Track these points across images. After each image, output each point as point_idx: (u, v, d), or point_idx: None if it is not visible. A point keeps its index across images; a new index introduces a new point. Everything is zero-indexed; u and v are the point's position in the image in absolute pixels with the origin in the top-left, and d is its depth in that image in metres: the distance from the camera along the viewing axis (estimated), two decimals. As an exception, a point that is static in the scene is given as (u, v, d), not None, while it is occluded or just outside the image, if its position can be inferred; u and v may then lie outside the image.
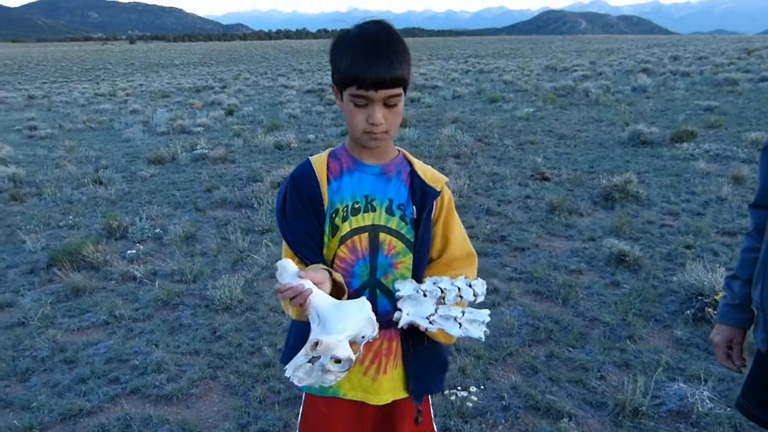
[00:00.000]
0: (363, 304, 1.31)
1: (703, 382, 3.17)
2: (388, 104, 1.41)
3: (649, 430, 2.91)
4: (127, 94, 26.78)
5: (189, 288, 4.86)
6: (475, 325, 1.38)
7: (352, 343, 1.27)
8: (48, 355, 3.90)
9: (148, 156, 10.51)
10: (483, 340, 1.40)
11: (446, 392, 3.15)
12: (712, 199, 6.67)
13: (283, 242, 1.54)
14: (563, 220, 6.19)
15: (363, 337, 1.29)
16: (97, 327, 4.30)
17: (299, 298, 1.27)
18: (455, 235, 1.62)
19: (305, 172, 1.54)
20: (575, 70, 27.47)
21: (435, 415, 2.94)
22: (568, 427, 2.85)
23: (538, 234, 5.81)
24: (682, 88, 18.08)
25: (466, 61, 45.21)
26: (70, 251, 5.45)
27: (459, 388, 3.16)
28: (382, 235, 1.53)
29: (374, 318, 1.31)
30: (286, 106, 18.31)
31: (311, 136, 12.07)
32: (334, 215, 1.52)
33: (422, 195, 1.54)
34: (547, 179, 7.94)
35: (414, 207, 1.54)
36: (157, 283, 4.90)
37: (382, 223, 1.53)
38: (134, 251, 5.74)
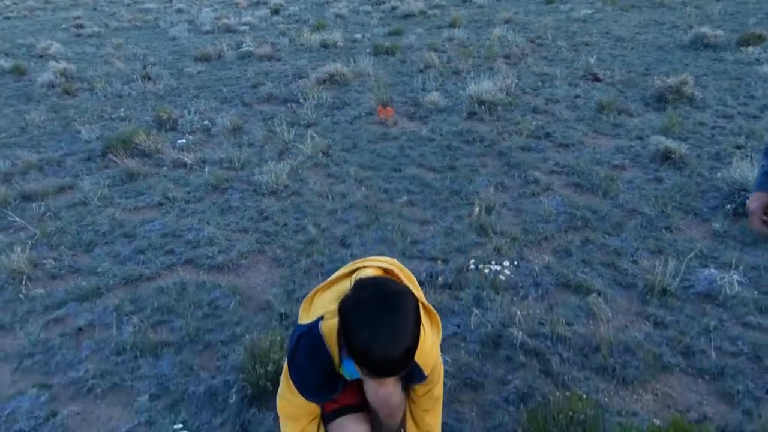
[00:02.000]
0: None
1: (734, 269, 3.21)
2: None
3: (675, 308, 3.01)
4: (172, -5, 26.48)
5: (237, 174, 5.06)
6: None
7: None
8: (108, 230, 4.19)
9: (194, 53, 10.58)
10: None
11: (480, 266, 3.29)
12: (771, 102, 6.39)
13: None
14: (611, 119, 6.06)
15: None
16: (152, 207, 4.56)
17: None
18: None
19: (321, 355, 1.71)
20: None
21: (467, 287, 3.13)
22: (597, 302, 2.97)
23: (584, 132, 5.73)
24: (754, -11, 16.76)
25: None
26: (123, 139, 5.69)
27: (493, 262, 3.29)
28: None
29: None
30: (332, 5, 17.87)
31: (358, 36, 11.86)
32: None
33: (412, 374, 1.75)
34: (599, 80, 7.69)
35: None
36: (206, 170, 5.12)
37: None
38: (184, 141, 5.94)
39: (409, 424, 1.97)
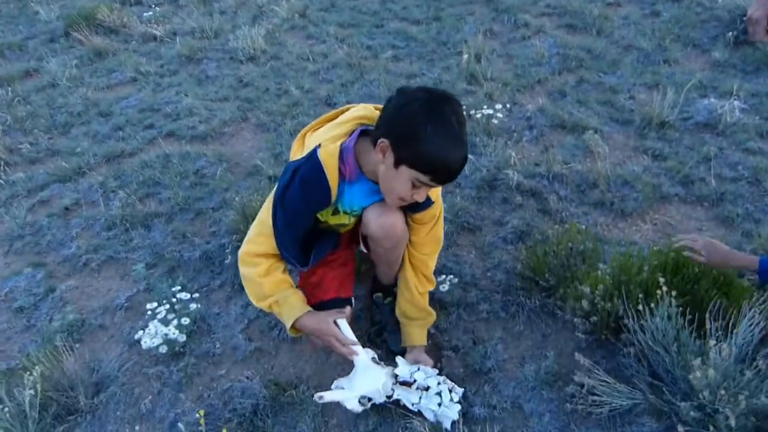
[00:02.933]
0: (382, 377, 1.81)
1: (734, 96, 3.10)
2: None
3: (673, 140, 2.93)
4: None
5: (211, 43, 4.77)
6: (446, 419, 1.75)
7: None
8: (83, 110, 4.00)
9: None
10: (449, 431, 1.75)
11: (471, 112, 3.17)
12: None
13: (269, 227, 1.72)
14: (603, -45, 5.65)
15: (369, 399, 1.79)
16: (125, 83, 4.34)
17: (346, 351, 1.80)
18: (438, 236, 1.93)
19: (319, 184, 1.61)
20: None
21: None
22: (593, 139, 2.88)
23: (574, -29, 5.35)
24: None
25: None
26: (85, 16, 5.31)
27: (485, 107, 3.16)
28: None
29: (384, 389, 1.79)
30: None
31: None
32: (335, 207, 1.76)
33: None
34: None
35: None
36: (178, 41, 4.81)
37: None
38: (151, 13, 5.55)
39: (408, 273, 1.95)
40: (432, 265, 1.97)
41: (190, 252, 2.60)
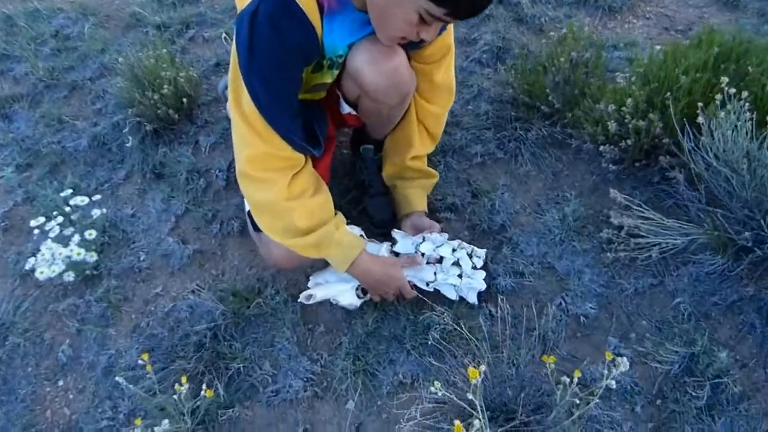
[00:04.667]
0: None
1: None
2: None
3: None
4: None
5: None
6: (471, 291, 1.38)
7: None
8: None
9: None
10: (477, 305, 1.38)
11: None
12: None
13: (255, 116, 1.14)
14: None
15: (365, 290, 1.39)
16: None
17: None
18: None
19: (294, 19, 1.06)
20: None
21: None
22: None
23: None
24: None
25: None
26: None
27: None
28: None
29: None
30: None
31: None
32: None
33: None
34: None
35: None
36: None
37: None
38: None
39: (411, 130, 1.47)
40: (444, 121, 1.49)
41: (74, 141, 1.95)
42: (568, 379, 1.02)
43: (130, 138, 1.85)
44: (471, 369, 0.95)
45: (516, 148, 1.71)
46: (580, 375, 1.00)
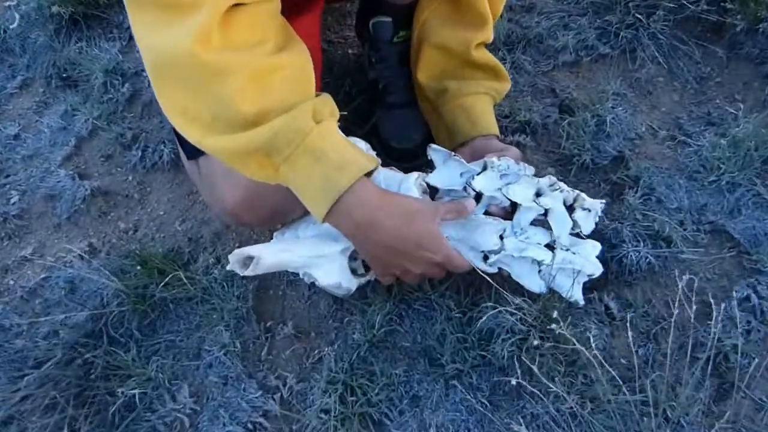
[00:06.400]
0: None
1: None
2: None
3: None
4: None
5: None
6: (575, 278, 0.71)
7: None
8: None
9: None
10: (581, 304, 0.72)
11: None
12: None
13: None
14: None
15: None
16: None
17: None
18: None
19: None
20: None
21: None
22: None
23: None
24: None
25: None
26: None
27: None
28: None
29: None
30: None
31: None
32: None
33: None
34: None
35: None
36: None
37: None
38: None
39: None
40: None
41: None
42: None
43: (16, 17, 1.19)
44: None
45: (632, 39, 1.02)
46: None
